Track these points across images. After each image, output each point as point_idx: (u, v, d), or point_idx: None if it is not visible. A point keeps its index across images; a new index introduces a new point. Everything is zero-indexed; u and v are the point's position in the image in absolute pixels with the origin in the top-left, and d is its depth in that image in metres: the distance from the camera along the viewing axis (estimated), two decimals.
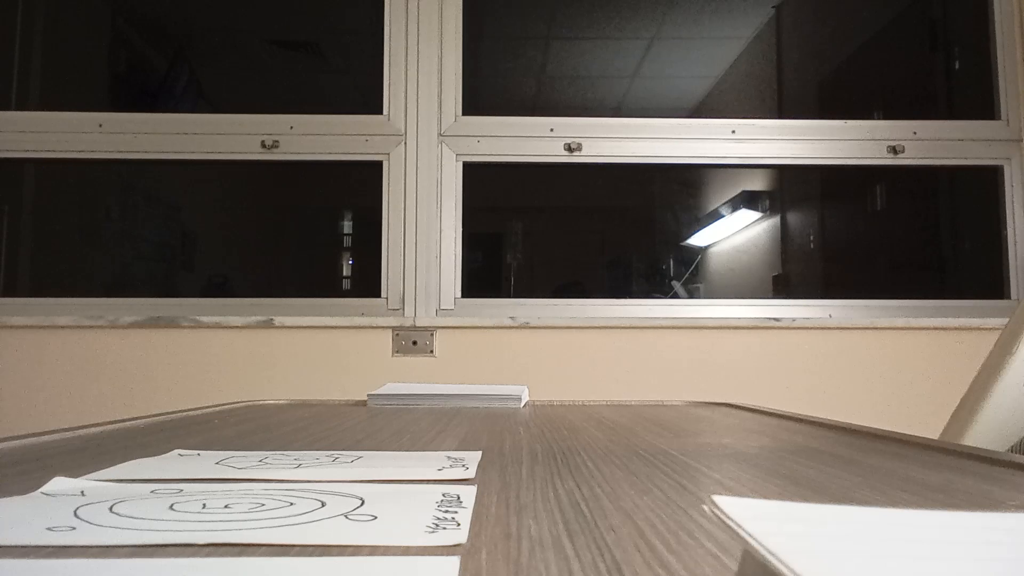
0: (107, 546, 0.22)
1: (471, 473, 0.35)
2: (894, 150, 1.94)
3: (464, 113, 1.92)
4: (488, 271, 3.94)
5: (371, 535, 0.23)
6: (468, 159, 1.91)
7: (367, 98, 2.01)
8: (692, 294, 3.71)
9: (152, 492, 0.29)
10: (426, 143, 1.89)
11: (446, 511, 0.26)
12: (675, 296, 3.57)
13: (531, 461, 0.41)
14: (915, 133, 1.95)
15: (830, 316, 1.86)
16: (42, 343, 1.78)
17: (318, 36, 3.56)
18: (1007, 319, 0.90)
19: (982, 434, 0.42)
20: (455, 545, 0.22)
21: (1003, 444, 0.41)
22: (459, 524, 0.24)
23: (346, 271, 3.28)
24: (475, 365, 1.80)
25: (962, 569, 0.16)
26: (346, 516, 0.25)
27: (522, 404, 0.90)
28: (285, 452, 0.43)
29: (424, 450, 0.45)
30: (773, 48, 3.27)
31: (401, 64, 1.91)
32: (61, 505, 0.27)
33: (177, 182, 3.44)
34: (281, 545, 0.22)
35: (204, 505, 0.27)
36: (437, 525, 0.24)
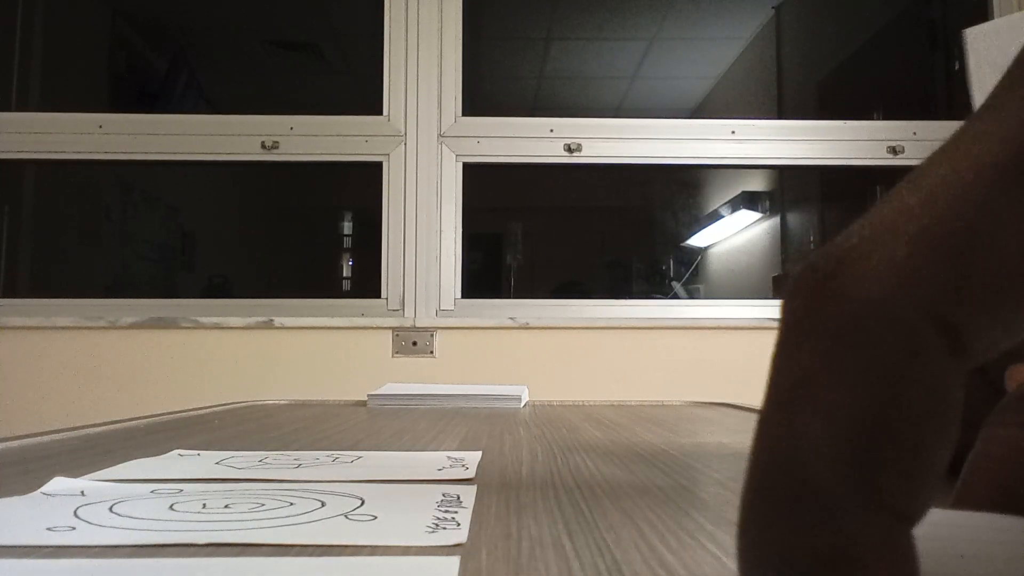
0: (107, 546, 0.22)
1: (471, 473, 0.35)
2: (894, 150, 1.94)
3: (464, 114, 1.92)
4: (488, 272, 3.94)
5: (371, 535, 0.23)
6: (468, 160, 1.91)
7: (367, 98, 2.01)
8: (692, 294, 3.71)
9: (152, 492, 0.29)
10: (426, 144, 1.90)
11: (446, 511, 0.26)
12: (675, 296, 3.57)
13: (531, 461, 0.41)
14: (915, 133, 1.95)
15: None
16: (42, 344, 1.78)
17: (318, 37, 3.56)
18: None
19: None
20: (455, 545, 0.22)
21: None
22: (459, 524, 0.24)
23: (346, 271, 3.28)
24: (475, 365, 1.80)
25: (962, 568, 0.16)
26: (346, 516, 0.25)
27: (522, 404, 0.90)
28: (285, 452, 0.43)
29: (424, 450, 0.45)
30: (773, 48, 3.27)
31: (401, 64, 1.92)
32: (61, 505, 0.27)
33: (177, 183, 3.44)
34: (281, 545, 0.22)
35: (204, 505, 0.27)
36: (437, 525, 0.24)
